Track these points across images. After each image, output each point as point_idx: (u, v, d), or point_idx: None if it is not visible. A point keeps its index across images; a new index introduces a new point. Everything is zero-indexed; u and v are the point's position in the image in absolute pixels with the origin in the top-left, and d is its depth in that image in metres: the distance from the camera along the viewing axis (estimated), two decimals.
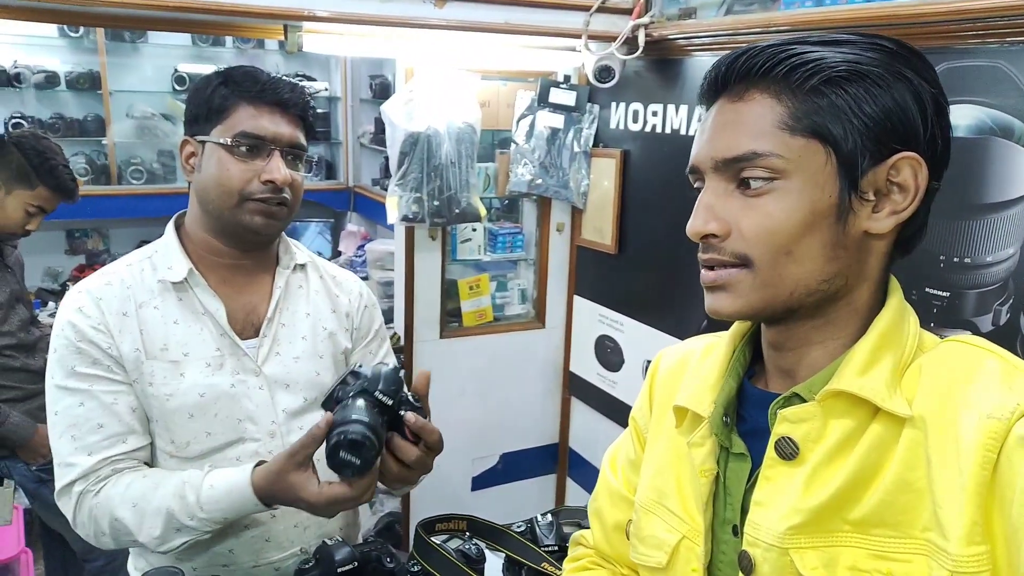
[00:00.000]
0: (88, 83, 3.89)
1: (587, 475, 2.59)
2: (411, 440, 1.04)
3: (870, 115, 0.64)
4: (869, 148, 0.64)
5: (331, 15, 1.66)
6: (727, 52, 0.70)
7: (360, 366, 1.07)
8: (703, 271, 0.71)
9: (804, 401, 0.69)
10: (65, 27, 3.77)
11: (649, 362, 2.18)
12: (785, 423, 0.69)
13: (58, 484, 1.12)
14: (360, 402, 1.01)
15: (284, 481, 1.04)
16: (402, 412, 1.03)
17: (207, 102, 1.15)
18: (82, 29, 3.80)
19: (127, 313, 1.14)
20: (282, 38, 1.77)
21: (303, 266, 1.29)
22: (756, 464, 0.73)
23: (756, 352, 0.80)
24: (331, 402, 1.05)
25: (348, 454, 0.97)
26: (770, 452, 0.70)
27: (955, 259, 1.37)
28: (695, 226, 0.69)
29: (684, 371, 0.85)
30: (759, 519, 0.69)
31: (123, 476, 1.12)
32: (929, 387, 0.65)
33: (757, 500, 0.70)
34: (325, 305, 1.29)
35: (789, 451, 0.68)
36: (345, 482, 1.02)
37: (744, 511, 0.73)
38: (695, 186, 0.73)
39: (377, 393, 1.02)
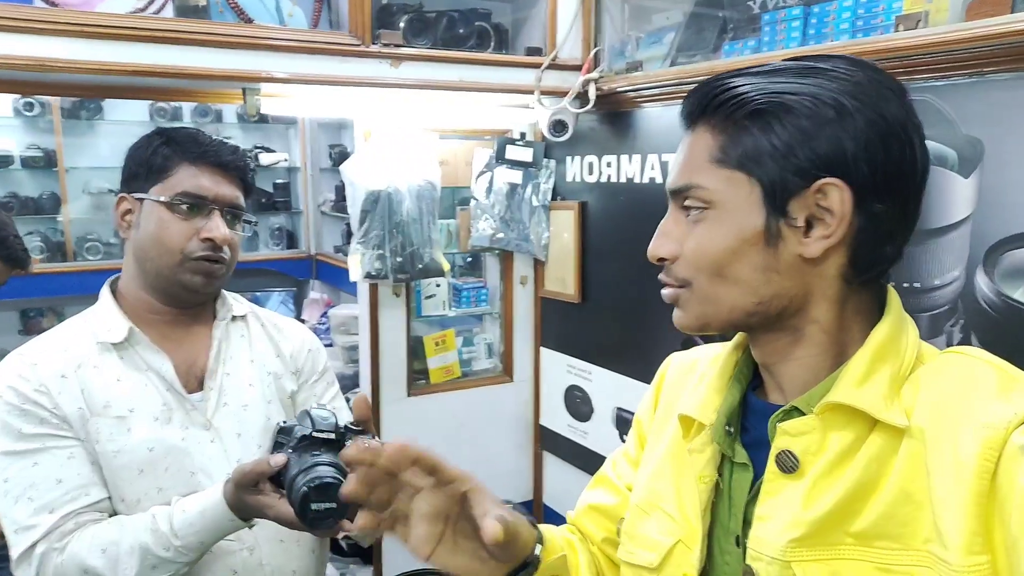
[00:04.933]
0: (43, 161, 3.87)
1: None
2: None
3: (789, 145, 0.66)
4: (791, 177, 0.66)
5: (289, 77, 1.70)
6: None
7: (284, 422, 1.04)
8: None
9: (803, 414, 0.70)
10: (20, 107, 3.78)
11: (618, 409, 2.19)
12: (785, 436, 0.69)
13: (15, 552, 1.07)
14: (306, 451, 0.96)
15: (243, 501, 1.02)
16: (348, 442, 0.99)
17: (147, 161, 1.17)
18: (37, 108, 3.81)
19: (66, 375, 1.12)
20: (241, 102, 1.79)
21: (243, 317, 1.30)
22: (758, 474, 0.73)
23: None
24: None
25: (320, 502, 0.90)
26: (771, 466, 0.70)
27: (905, 284, 1.42)
28: (650, 250, 0.75)
29: (691, 376, 0.86)
30: (761, 533, 0.69)
31: (86, 528, 1.07)
32: (928, 398, 0.65)
33: (759, 514, 0.70)
34: (268, 350, 1.29)
35: (790, 464, 0.69)
36: None
37: (746, 522, 0.73)
38: None
39: (315, 434, 0.97)
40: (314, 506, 0.90)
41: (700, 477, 0.77)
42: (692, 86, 0.76)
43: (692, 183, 0.71)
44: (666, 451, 0.84)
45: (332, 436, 0.98)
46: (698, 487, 0.77)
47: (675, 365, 0.92)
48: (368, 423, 1.02)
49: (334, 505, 0.91)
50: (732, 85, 0.69)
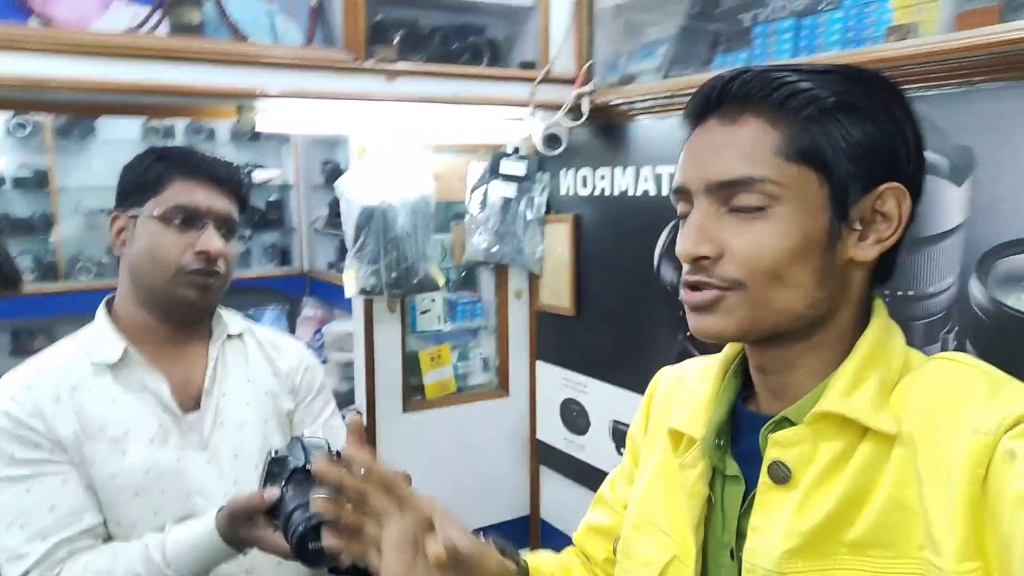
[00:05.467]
0: (35, 182, 3.86)
1: (561, 547, 2.52)
2: None
3: (860, 145, 0.66)
4: (860, 177, 0.66)
5: (283, 92, 1.70)
6: (714, 77, 0.71)
7: (276, 452, 1.01)
8: (687, 291, 0.71)
9: (794, 424, 0.70)
10: (11, 127, 3.77)
11: (614, 422, 2.18)
12: (776, 447, 0.69)
13: None
14: (300, 486, 0.94)
15: (237, 534, 1.01)
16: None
17: (141, 177, 1.17)
18: (29, 128, 3.80)
19: (60, 398, 1.10)
20: (235, 118, 1.80)
21: (239, 336, 1.29)
22: (750, 486, 0.72)
23: (749, 374, 0.79)
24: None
25: (318, 542, 0.87)
26: (763, 477, 0.69)
27: (899, 292, 1.42)
28: (686, 248, 0.68)
29: (680, 392, 0.85)
30: (756, 545, 0.68)
31: (80, 556, 1.05)
32: (917, 405, 0.65)
33: (753, 526, 0.69)
34: (265, 369, 1.28)
35: (782, 475, 0.68)
36: None
37: (740, 534, 0.72)
38: (678, 207, 0.73)
39: (308, 466, 0.95)
40: (311, 546, 0.88)
41: (692, 492, 0.76)
42: (684, 99, 0.74)
43: (757, 176, 0.66)
44: (658, 467, 0.84)
45: None
46: (690, 502, 0.76)
47: (664, 380, 0.92)
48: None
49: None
50: (793, 80, 0.67)
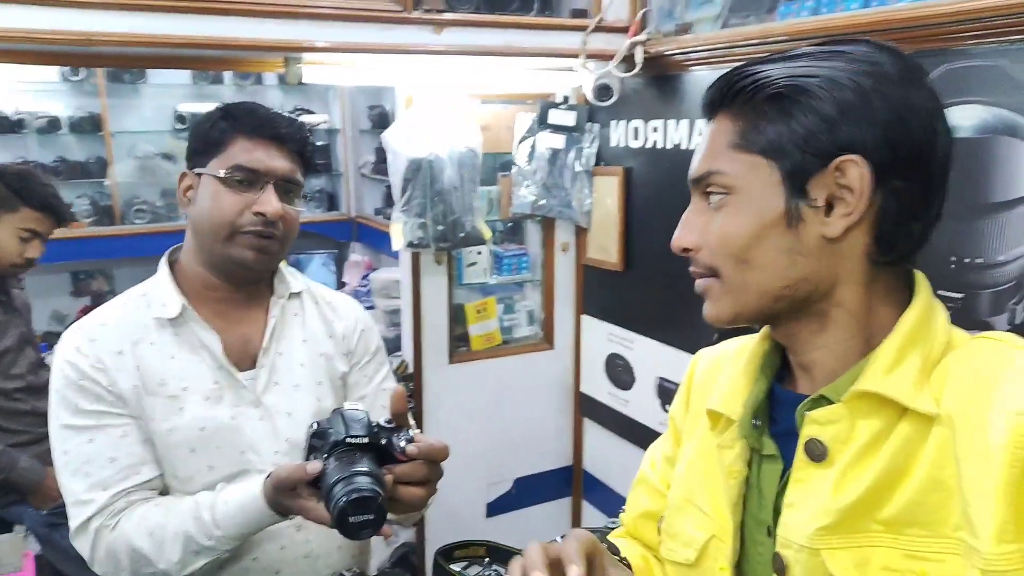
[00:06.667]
0: (90, 126, 3.92)
1: (602, 497, 2.56)
2: (406, 460, 0.98)
3: (808, 126, 0.67)
4: (811, 157, 0.67)
5: (331, 45, 1.68)
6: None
7: (316, 424, 1.01)
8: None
9: (831, 403, 0.70)
10: (66, 72, 3.82)
11: (660, 379, 2.17)
12: (813, 425, 0.69)
13: (73, 523, 1.11)
14: (341, 459, 0.95)
15: (282, 503, 1.03)
16: (383, 441, 0.98)
17: (206, 136, 1.17)
18: (83, 73, 3.85)
19: (122, 351, 1.14)
20: (282, 70, 1.78)
21: (298, 294, 1.29)
22: (788, 465, 0.73)
23: (786, 353, 0.80)
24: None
25: (358, 515, 0.89)
26: (799, 454, 0.70)
27: (966, 259, 1.36)
28: (674, 241, 0.76)
29: (719, 372, 0.86)
30: (790, 520, 0.70)
31: (137, 508, 1.11)
32: (957, 384, 0.65)
33: (788, 502, 0.71)
34: (321, 330, 1.29)
35: (818, 452, 0.69)
36: None
37: (777, 512, 0.73)
38: None
39: (348, 439, 0.96)
40: (352, 519, 0.90)
41: (730, 472, 0.78)
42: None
43: (712, 169, 0.72)
44: (697, 448, 0.85)
45: (366, 440, 0.96)
46: (727, 482, 0.78)
47: (703, 361, 0.93)
48: (404, 416, 1.00)
49: (371, 516, 0.90)
50: (751, 72, 0.70)
